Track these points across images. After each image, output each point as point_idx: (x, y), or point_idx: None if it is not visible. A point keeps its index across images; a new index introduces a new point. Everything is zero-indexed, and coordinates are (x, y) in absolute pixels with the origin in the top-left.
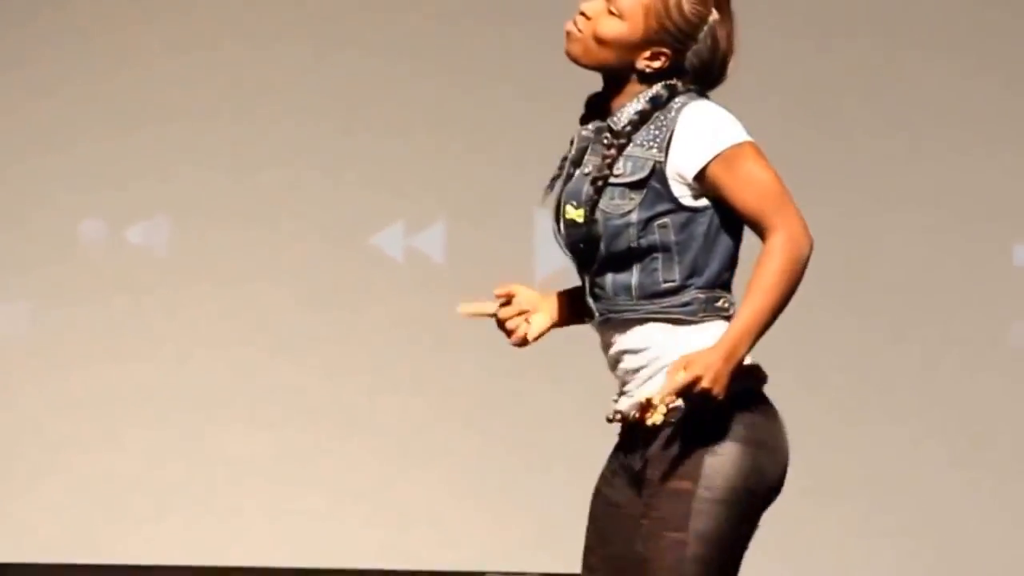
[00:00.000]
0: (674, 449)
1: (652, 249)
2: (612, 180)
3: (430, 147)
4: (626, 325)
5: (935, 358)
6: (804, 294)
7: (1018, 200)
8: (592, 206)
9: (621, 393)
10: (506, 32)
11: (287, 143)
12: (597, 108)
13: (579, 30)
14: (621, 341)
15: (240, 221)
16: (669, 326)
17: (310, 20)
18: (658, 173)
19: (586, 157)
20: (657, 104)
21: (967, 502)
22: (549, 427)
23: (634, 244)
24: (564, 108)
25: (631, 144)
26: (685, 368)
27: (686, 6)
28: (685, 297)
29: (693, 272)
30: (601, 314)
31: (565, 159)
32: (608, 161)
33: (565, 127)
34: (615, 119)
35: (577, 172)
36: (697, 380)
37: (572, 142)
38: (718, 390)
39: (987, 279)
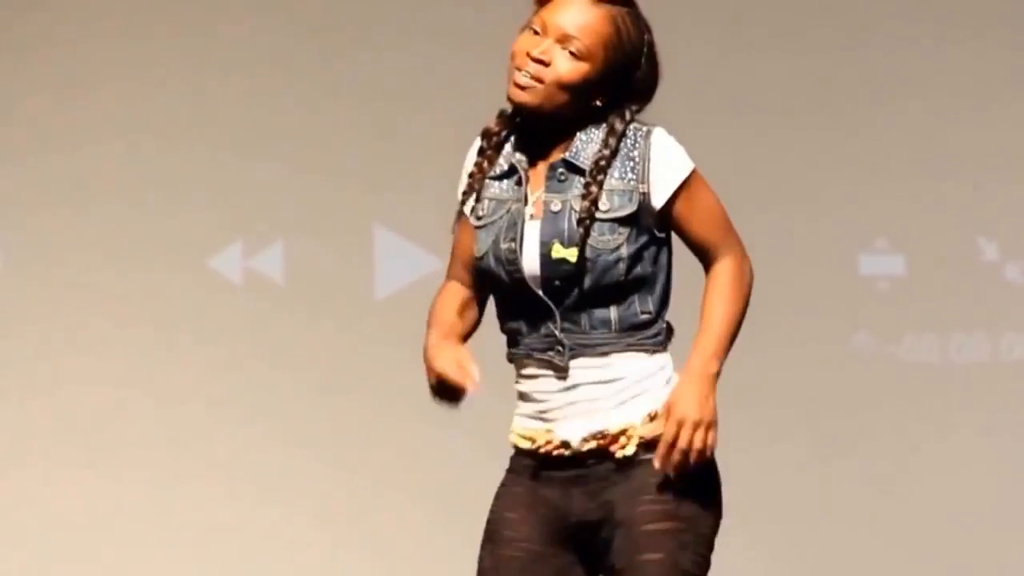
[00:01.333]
0: (654, 487)
1: (636, 282)
2: (598, 215)
3: (265, 166)
4: (599, 357)
5: (781, 362)
6: None
7: (864, 210)
8: (583, 244)
9: (542, 419)
10: (339, 49)
11: (120, 167)
12: (518, 137)
13: (537, 80)
14: (586, 373)
15: (75, 250)
16: (644, 355)
17: (139, 44)
18: (643, 205)
19: (542, 193)
20: (622, 136)
21: (814, 504)
22: (389, 444)
23: (622, 279)
24: (399, 125)
25: (607, 177)
26: (680, 420)
27: (634, 31)
28: (656, 328)
29: (663, 302)
30: (571, 348)
31: (473, 189)
32: (592, 198)
33: (399, 144)
34: (575, 155)
35: (539, 208)
36: (698, 424)
37: (479, 168)
38: (713, 420)
39: (833, 287)
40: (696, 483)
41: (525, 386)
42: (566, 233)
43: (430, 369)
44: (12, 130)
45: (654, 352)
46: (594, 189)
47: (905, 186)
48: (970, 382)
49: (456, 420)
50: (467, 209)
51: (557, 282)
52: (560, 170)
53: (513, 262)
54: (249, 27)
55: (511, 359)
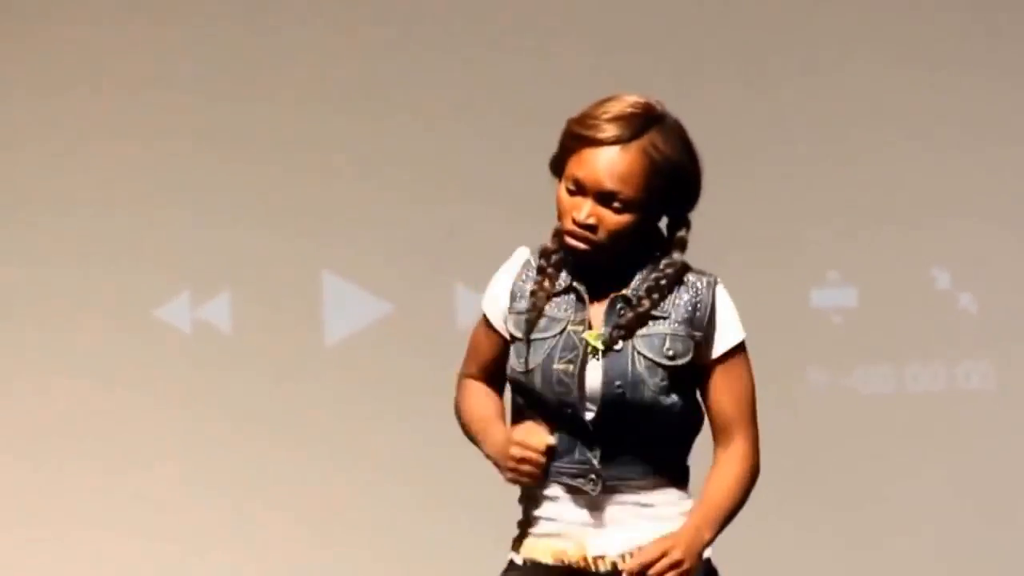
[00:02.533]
0: None
1: (679, 428)
2: (663, 362)
3: (211, 216)
4: (631, 493)
5: None
6: None
7: (814, 244)
8: (646, 387)
9: (568, 537)
10: (282, 97)
11: (64, 219)
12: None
13: (590, 239)
14: (617, 501)
15: (20, 302)
16: (674, 489)
17: (83, 95)
18: (696, 355)
19: (602, 327)
20: (681, 280)
21: (772, 538)
22: (343, 492)
23: (671, 422)
24: (344, 171)
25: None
26: (669, 548)
27: (668, 148)
28: (684, 471)
29: (689, 444)
30: (606, 480)
31: (538, 308)
32: (661, 344)
33: (345, 190)
34: (636, 293)
35: (594, 340)
36: (680, 564)
37: (541, 287)
38: (691, 571)
39: (786, 321)
40: None
41: (543, 507)
42: (630, 376)
43: (526, 446)
44: None
45: (680, 487)
46: (664, 332)
47: (855, 219)
48: (927, 412)
49: (413, 464)
50: (503, 320)
51: (611, 416)
52: (620, 306)
53: (565, 384)
54: (191, 74)
55: None
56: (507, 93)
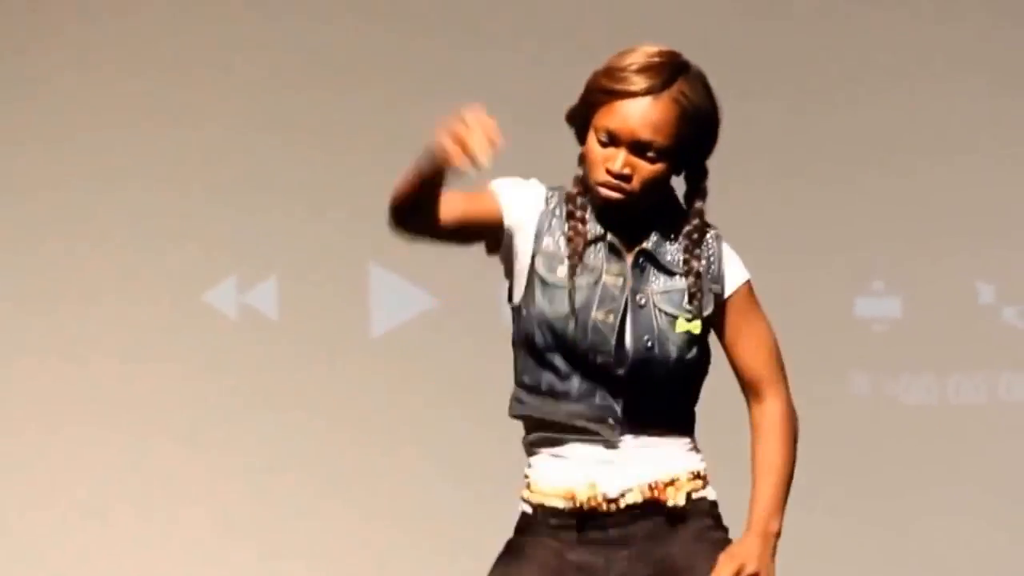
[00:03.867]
0: (712, 536)
1: (696, 378)
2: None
3: (260, 201)
4: (646, 437)
5: None
6: None
7: (859, 253)
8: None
9: (581, 475)
10: (335, 87)
11: (116, 204)
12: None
13: (624, 189)
14: (632, 444)
15: (71, 284)
16: (686, 438)
17: (130, 82)
18: (714, 307)
19: (631, 280)
20: (704, 236)
21: (811, 546)
22: (385, 480)
23: (689, 374)
24: (394, 163)
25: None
26: (741, 566)
27: (696, 96)
28: (693, 418)
29: (699, 389)
30: (627, 425)
31: (577, 252)
32: (698, 301)
33: (386, 181)
34: (658, 249)
35: (631, 293)
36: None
37: (576, 232)
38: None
39: (829, 329)
40: None
41: (553, 448)
42: (656, 332)
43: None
44: (11, 163)
45: (687, 433)
46: (698, 294)
47: (901, 229)
48: (968, 423)
49: (457, 457)
50: (517, 221)
51: (638, 368)
52: (642, 260)
53: (600, 333)
54: (242, 63)
55: (524, 415)
56: (543, 87)
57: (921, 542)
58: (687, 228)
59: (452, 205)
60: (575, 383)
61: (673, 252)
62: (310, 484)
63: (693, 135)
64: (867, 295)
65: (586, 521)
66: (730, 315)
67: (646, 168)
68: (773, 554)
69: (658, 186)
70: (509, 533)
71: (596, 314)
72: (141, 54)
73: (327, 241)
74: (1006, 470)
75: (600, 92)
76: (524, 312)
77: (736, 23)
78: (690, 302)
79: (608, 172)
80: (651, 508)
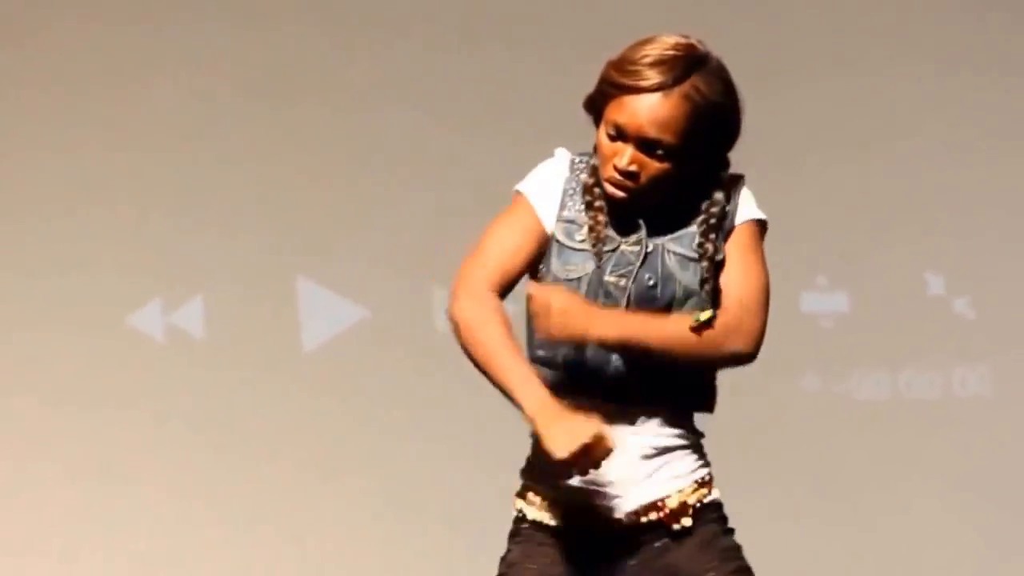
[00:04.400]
0: (718, 546)
1: None
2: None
3: (182, 221)
4: (654, 417)
5: (731, 406)
6: None
7: (804, 248)
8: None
9: (585, 491)
10: (258, 102)
11: (34, 226)
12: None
13: (633, 186)
14: (637, 436)
15: None
16: (692, 433)
17: (56, 102)
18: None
19: (647, 248)
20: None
21: (765, 544)
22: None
23: None
24: (320, 176)
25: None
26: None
27: (710, 91)
28: (702, 394)
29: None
30: (641, 395)
31: (600, 240)
32: (695, 244)
33: (321, 195)
34: (687, 235)
35: (654, 272)
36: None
37: (596, 221)
38: (556, 332)
39: (776, 326)
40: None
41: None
42: (660, 272)
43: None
44: None
45: (697, 414)
46: (695, 231)
47: (844, 220)
48: (922, 418)
49: (386, 473)
50: (551, 216)
51: (641, 305)
52: (659, 238)
53: (612, 296)
54: (165, 80)
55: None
56: (481, 95)
57: (876, 538)
58: (703, 216)
59: (511, 276)
60: (589, 350)
61: (690, 236)
62: (246, 504)
63: (706, 132)
64: (812, 290)
65: (591, 538)
66: (728, 246)
67: (654, 166)
68: (577, 332)
69: (666, 183)
70: (443, 542)
71: (608, 277)
72: (52, 73)
73: (252, 256)
74: (962, 465)
75: (611, 85)
76: (541, 278)
77: (671, 8)
78: (701, 241)
79: (615, 168)
80: (657, 526)
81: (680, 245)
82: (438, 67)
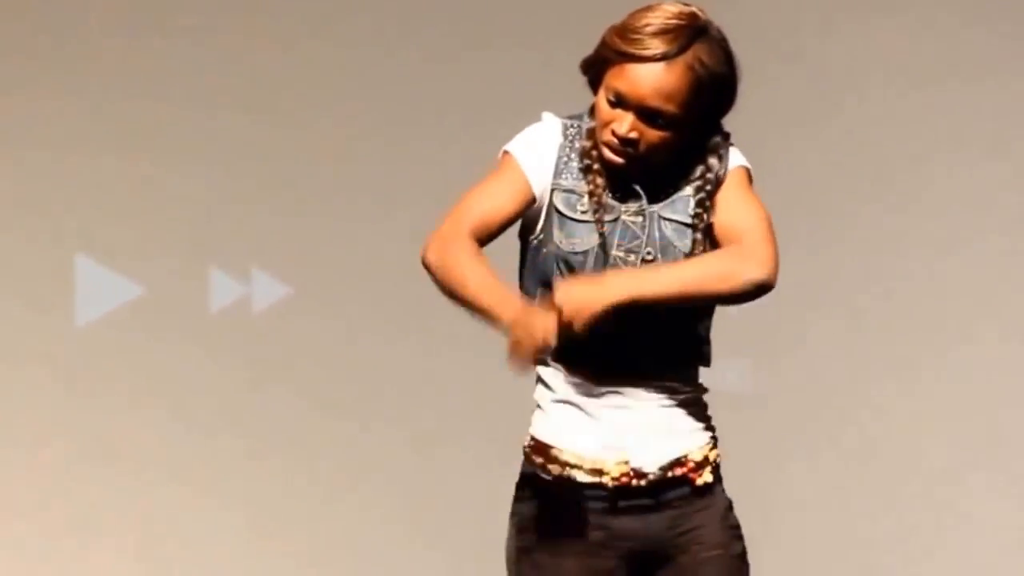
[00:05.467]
0: (729, 515)
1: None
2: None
3: None
4: (666, 379)
5: None
6: None
7: None
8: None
9: (610, 446)
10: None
11: None
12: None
13: (632, 153)
14: (653, 394)
15: None
16: (699, 393)
17: None
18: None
19: (646, 228)
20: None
21: None
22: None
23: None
24: (95, 155)
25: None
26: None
27: (712, 61)
28: (707, 349)
29: (710, 317)
30: (655, 362)
31: (601, 205)
32: (690, 209)
33: (99, 175)
34: (680, 200)
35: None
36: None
37: (596, 186)
38: (578, 324)
39: None
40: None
41: (581, 401)
42: (658, 241)
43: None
44: None
45: (703, 368)
46: (688, 195)
47: None
48: None
49: (155, 456)
50: (539, 178)
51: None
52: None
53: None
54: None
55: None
56: (243, 65)
57: None
58: (699, 183)
59: (489, 227)
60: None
61: (683, 200)
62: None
63: (706, 101)
64: None
65: (616, 492)
66: (721, 192)
67: (653, 135)
68: (599, 310)
69: (664, 152)
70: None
71: (617, 252)
72: None
73: (31, 233)
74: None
75: (613, 51)
76: (541, 249)
77: None
78: (696, 206)
79: (614, 134)
80: (680, 481)
81: (674, 211)
82: (202, 46)
